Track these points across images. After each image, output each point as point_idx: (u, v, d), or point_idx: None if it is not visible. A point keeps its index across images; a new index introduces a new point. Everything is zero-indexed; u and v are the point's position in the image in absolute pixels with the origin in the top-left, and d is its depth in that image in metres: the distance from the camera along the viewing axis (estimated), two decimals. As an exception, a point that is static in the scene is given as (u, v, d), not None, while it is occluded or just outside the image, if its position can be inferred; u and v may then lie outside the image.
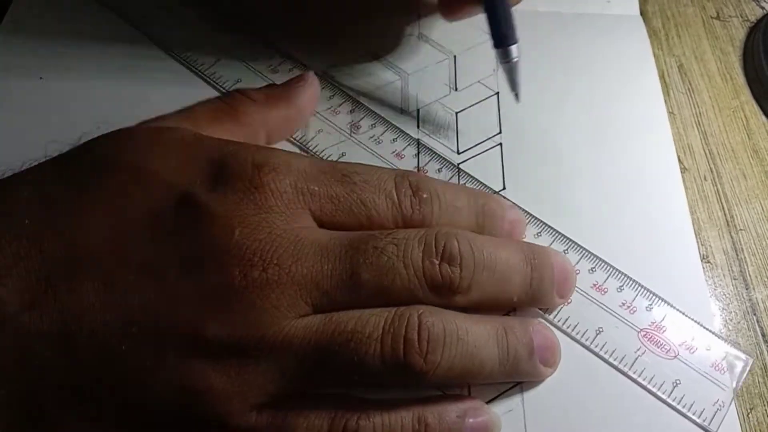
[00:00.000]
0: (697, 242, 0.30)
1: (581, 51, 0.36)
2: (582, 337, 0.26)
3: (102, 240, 0.22)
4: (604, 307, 0.27)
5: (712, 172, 0.32)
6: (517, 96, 0.30)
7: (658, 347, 0.26)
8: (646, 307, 0.27)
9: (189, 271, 0.21)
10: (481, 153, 0.32)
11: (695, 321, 0.27)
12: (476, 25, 0.33)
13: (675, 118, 0.34)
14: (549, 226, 0.29)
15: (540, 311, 0.27)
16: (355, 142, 0.31)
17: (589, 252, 0.28)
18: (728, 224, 0.31)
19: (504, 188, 0.31)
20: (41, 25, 0.35)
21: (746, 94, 0.35)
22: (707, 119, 0.34)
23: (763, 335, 0.28)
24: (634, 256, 0.29)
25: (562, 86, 0.34)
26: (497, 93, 0.34)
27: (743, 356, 0.26)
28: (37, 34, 0.35)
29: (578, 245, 0.28)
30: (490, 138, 0.32)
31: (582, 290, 0.27)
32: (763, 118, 0.34)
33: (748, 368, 0.26)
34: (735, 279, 0.29)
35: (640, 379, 0.25)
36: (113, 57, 0.34)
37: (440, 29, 0.36)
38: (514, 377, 0.25)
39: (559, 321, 0.27)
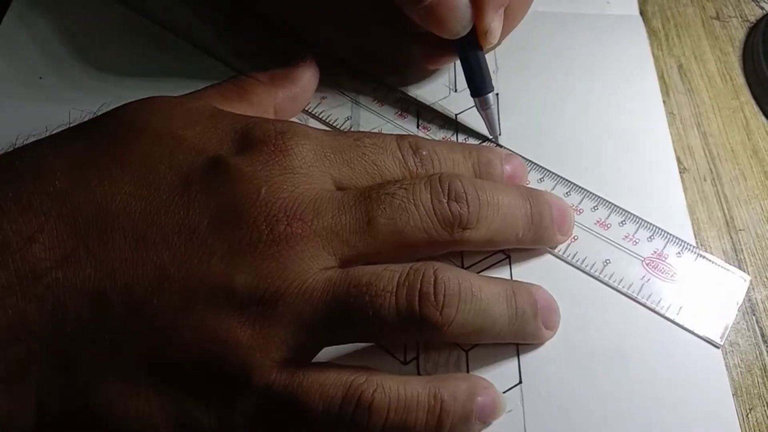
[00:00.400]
0: (697, 242, 0.30)
1: (581, 51, 0.36)
2: (591, 269, 0.28)
3: (132, 199, 0.23)
4: (609, 241, 0.29)
5: (711, 172, 0.32)
6: (496, 138, 0.32)
7: (662, 273, 0.28)
8: (648, 238, 0.29)
9: (218, 227, 0.23)
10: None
11: (695, 247, 0.29)
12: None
13: (675, 119, 0.34)
14: (551, 172, 0.31)
15: (549, 250, 0.29)
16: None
17: (591, 192, 0.30)
18: (728, 225, 0.31)
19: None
20: (41, 24, 0.35)
21: (746, 95, 0.35)
22: (707, 120, 0.34)
23: (763, 335, 0.28)
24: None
25: (562, 86, 0.34)
26: (497, 94, 0.34)
27: (744, 276, 0.28)
28: (37, 34, 0.35)
29: (580, 187, 0.30)
30: (490, 139, 0.32)
31: (587, 227, 0.29)
32: (763, 118, 0.34)
33: (747, 285, 0.28)
34: (734, 279, 0.29)
35: (648, 303, 0.27)
36: (113, 57, 0.34)
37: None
38: (519, 338, 0.26)
39: (568, 256, 0.28)
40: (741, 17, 0.39)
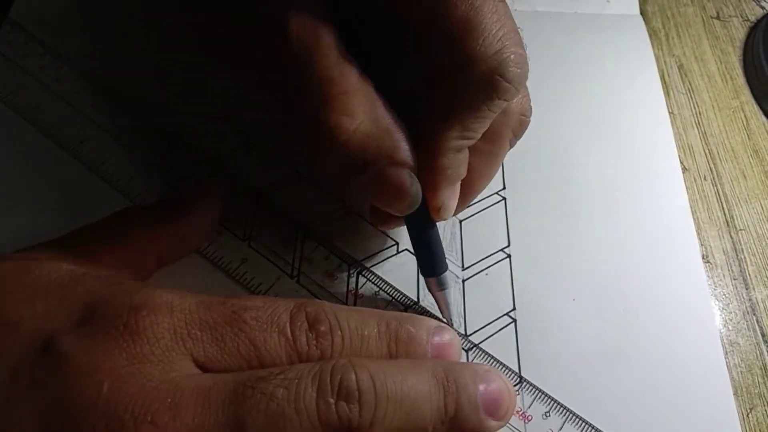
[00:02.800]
0: (698, 242, 0.29)
1: (581, 51, 0.36)
2: None
3: None
4: None
5: (712, 172, 0.32)
6: (451, 324, 0.27)
7: None
8: None
9: None
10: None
11: None
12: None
13: (675, 118, 0.34)
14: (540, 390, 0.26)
15: None
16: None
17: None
18: (728, 224, 0.31)
19: (504, 188, 0.31)
20: (42, 25, 0.35)
21: (746, 94, 0.35)
22: (707, 119, 0.34)
23: (763, 335, 0.28)
24: (635, 255, 0.29)
25: (562, 86, 0.34)
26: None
27: None
28: (37, 34, 0.35)
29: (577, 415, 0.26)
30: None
31: None
32: (763, 118, 0.34)
33: None
34: (735, 279, 0.29)
35: None
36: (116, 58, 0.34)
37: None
38: None
39: None
40: (741, 17, 0.39)
